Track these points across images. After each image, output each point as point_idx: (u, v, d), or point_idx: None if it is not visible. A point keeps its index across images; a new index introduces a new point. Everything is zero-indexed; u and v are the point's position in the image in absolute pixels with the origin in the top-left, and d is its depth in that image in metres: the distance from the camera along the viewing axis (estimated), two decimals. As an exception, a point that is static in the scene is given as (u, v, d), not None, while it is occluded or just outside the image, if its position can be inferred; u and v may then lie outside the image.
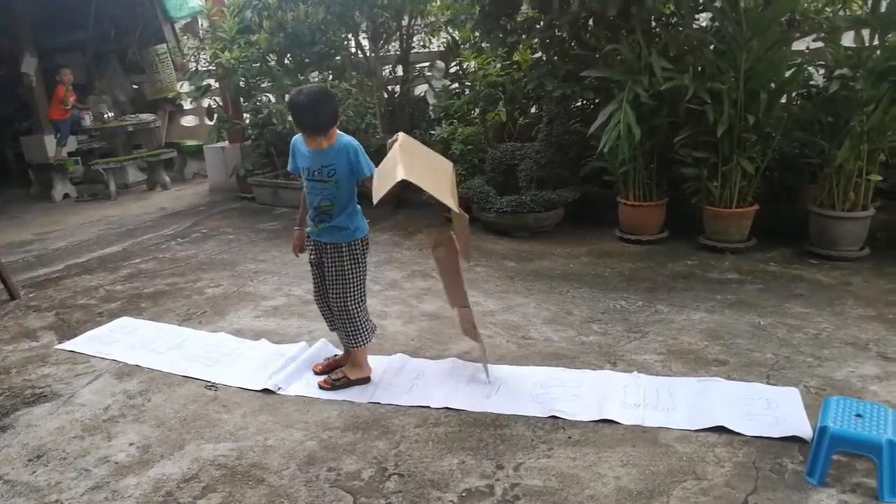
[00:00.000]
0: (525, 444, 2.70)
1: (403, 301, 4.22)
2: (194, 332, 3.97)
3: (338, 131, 3.00)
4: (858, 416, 2.38)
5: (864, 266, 4.35)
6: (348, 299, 3.09)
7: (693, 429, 2.71)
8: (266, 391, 3.22)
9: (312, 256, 3.21)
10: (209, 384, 3.35)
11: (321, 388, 3.20)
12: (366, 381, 3.22)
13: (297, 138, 3.07)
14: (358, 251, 3.11)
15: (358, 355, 3.21)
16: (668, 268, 4.53)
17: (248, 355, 3.63)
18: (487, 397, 3.04)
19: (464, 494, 2.43)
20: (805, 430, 2.61)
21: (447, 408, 2.98)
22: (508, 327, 3.76)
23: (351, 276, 3.09)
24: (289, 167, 3.19)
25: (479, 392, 3.08)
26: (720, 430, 2.68)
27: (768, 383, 3.02)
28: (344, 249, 3.07)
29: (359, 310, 3.13)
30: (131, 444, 2.86)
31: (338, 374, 3.24)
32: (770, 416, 2.73)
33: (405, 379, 3.26)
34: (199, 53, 7.29)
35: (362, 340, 3.17)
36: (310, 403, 3.12)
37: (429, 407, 3.00)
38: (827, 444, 2.33)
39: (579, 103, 5.69)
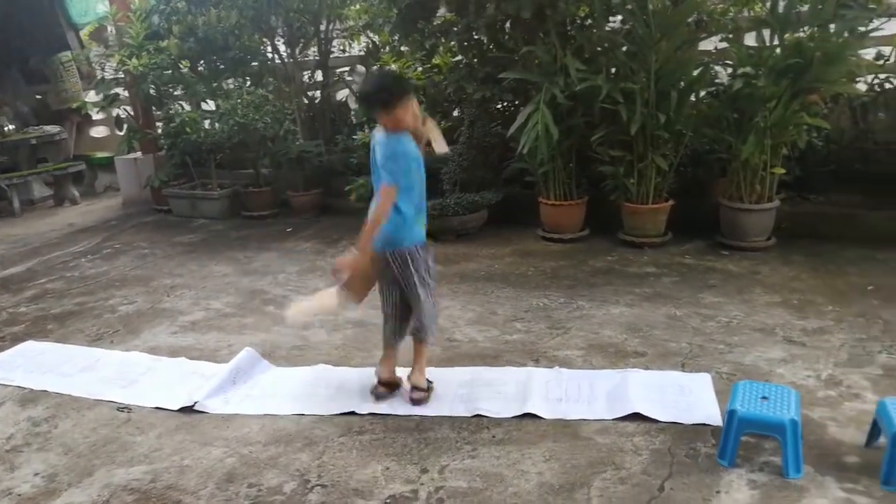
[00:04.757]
0: (450, 446, 2.69)
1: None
2: (107, 353, 3.78)
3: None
4: (764, 398, 2.48)
5: (770, 255, 4.56)
6: None
7: (611, 418, 2.77)
8: (184, 410, 3.10)
9: None
10: (122, 406, 3.19)
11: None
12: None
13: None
14: None
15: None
16: (588, 265, 4.62)
17: (164, 374, 3.48)
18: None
19: (388, 501, 2.39)
20: (714, 414, 2.70)
21: (372, 414, 2.94)
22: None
23: None
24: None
25: (404, 397, 3.05)
26: (639, 420, 2.74)
27: (683, 371, 3.12)
28: None
29: None
30: (36, 475, 2.70)
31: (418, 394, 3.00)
32: (683, 402, 2.82)
33: (329, 389, 3.20)
34: (105, 61, 6.97)
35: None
36: (229, 420, 3.02)
37: (353, 414, 2.95)
38: (735, 427, 2.42)
39: (501, 106, 5.75)
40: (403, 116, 2.73)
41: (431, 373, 3.23)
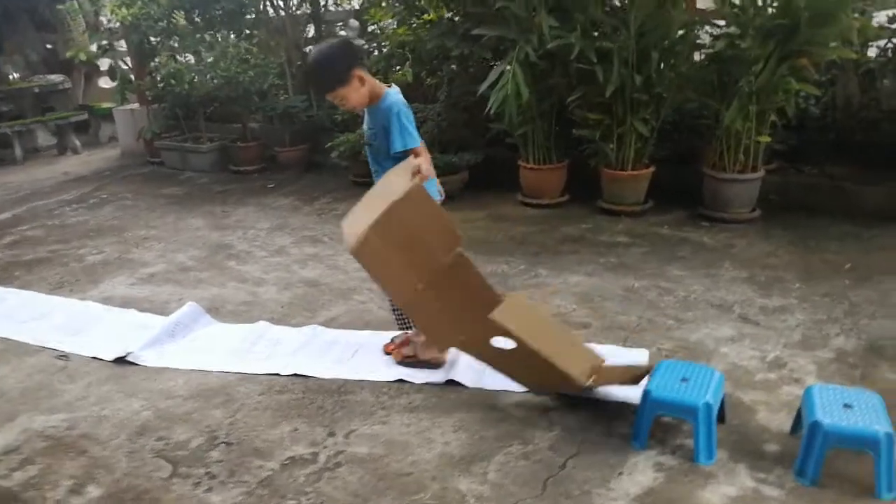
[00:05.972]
0: (365, 410, 2.64)
1: (285, 267, 4.11)
2: (62, 301, 3.83)
3: (389, 90, 2.63)
4: (685, 379, 2.35)
5: (751, 228, 4.34)
6: None
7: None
8: (119, 361, 3.11)
9: None
10: (60, 354, 3.23)
11: (386, 353, 2.98)
12: (438, 365, 2.86)
13: None
14: None
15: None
16: (560, 231, 4.47)
17: (110, 325, 3.51)
18: (340, 363, 2.97)
19: (286, 462, 2.37)
20: (635, 394, 2.58)
21: (296, 374, 2.91)
22: (383, 294, 3.68)
23: None
24: None
25: (332, 358, 3.01)
26: (562, 394, 2.65)
27: (624, 346, 3.00)
28: None
29: None
30: (-38, 418, 2.76)
31: (410, 349, 2.91)
32: (613, 379, 2.71)
33: (263, 346, 3.18)
34: (101, 11, 6.94)
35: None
36: (159, 372, 3.03)
37: (279, 375, 2.92)
38: (647, 408, 2.31)
39: (489, 64, 5.53)
40: (347, 95, 2.54)
41: (365, 335, 3.22)
